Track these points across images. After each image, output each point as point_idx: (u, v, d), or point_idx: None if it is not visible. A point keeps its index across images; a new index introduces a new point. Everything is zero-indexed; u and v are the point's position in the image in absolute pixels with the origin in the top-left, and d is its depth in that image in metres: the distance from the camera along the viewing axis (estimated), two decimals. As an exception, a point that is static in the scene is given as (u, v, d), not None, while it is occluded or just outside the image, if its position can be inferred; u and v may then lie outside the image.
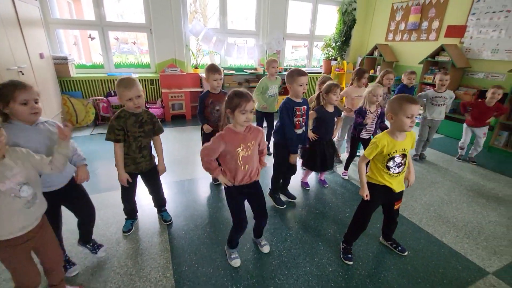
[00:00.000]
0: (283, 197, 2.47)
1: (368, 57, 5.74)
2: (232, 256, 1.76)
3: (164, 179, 2.21)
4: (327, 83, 2.28)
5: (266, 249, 1.87)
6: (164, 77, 4.69)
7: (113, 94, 4.43)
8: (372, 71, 5.77)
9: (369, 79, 5.81)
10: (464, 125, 3.41)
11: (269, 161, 2.30)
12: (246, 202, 1.67)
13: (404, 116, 1.43)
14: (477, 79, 4.33)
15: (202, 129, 2.48)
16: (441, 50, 4.41)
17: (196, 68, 5.04)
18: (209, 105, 2.33)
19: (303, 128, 2.14)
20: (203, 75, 4.77)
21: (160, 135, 1.89)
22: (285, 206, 2.37)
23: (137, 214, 2.10)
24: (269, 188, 2.46)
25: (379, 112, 2.59)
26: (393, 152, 1.52)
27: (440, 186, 2.82)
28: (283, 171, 2.34)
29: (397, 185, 1.61)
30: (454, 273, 1.71)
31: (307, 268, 1.72)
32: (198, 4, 7.32)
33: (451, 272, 1.72)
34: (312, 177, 2.89)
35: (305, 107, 2.09)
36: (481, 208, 2.45)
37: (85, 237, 1.77)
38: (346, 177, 2.94)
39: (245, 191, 1.62)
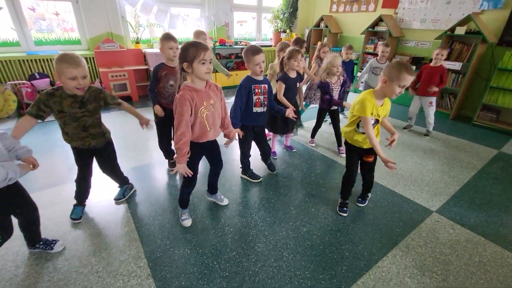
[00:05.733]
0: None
1: (315, 29, 5.87)
2: (182, 217, 1.83)
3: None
4: (289, 49, 2.25)
5: (225, 201, 2.04)
6: (100, 54, 4.11)
7: (37, 77, 3.73)
8: (319, 42, 5.94)
9: (312, 51, 5.99)
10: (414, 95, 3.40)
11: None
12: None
13: (397, 85, 1.47)
14: (409, 47, 4.80)
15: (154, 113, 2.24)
16: (379, 20, 4.72)
17: (137, 43, 4.52)
18: (162, 78, 2.12)
19: (263, 108, 2.08)
20: (147, 50, 4.40)
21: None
22: (261, 179, 2.36)
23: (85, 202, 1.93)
24: (240, 167, 2.40)
25: (341, 81, 2.62)
26: (371, 114, 1.59)
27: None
28: (249, 148, 2.30)
29: (363, 141, 1.74)
30: (407, 216, 1.97)
31: (283, 232, 1.78)
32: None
33: (404, 215, 1.97)
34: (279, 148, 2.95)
35: (266, 85, 2.03)
36: (421, 159, 2.82)
37: (33, 238, 1.55)
38: (313, 145, 3.05)
39: (206, 146, 1.64)
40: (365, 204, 2.07)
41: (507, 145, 3.24)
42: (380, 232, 1.80)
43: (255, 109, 2.04)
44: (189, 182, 1.74)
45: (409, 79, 1.46)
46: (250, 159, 2.36)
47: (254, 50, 1.86)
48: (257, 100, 2.03)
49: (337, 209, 2.00)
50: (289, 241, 1.71)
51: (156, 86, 2.15)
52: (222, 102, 1.62)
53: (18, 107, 3.62)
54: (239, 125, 2.02)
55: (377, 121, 1.67)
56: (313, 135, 3.08)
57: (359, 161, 1.89)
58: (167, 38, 2.06)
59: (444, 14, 4.22)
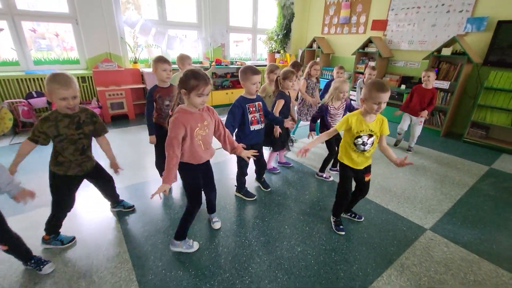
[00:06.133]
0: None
1: (308, 50, 6.08)
2: (187, 245, 1.74)
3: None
4: (284, 70, 2.34)
5: (217, 225, 1.98)
6: (98, 74, 4.19)
7: (35, 95, 3.77)
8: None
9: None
10: (404, 112, 3.51)
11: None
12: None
13: (372, 103, 1.58)
14: (398, 67, 4.98)
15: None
16: (369, 42, 4.93)
17: (135, 62, 4.62)
18: (157, 100, 2.18)
19: (261, 125, 2.13)
20: (144, 70, 4.49)
21: (107, 136, 1.76)
22: (255, 197, 2.36)
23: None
24: (235, 186, 2.41)
25: (344, 106, 2.53)
26: (361, 131, 1.68)
27: (380, 162, 3.18)
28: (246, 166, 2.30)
29: (361, 162, 1.79)
30: (401, 234, 1.97)
31: (278, 252, 1.76)
32: (129, -7, 6.67)
33: (398, 233, 1.97)
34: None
35: (260, 103, 2.10)
36: (413, 176, 2.85)
37: (23, 258, 1.53)
38: (331, 179, 2.72)
39: (201, 168, 1.66)
40: (363, 219, 2.10)
41: (497, 162, 3.30)
42: (375, 251, 1.80)
43: (252, 127, 2.08)
44: (196, 204, 1.68)
45: (381, 96, 1.54)
46: (245, 177, 2.36)
47: (254, 70, 1.94)
48: (253, 119, 2.07)
49: (334, 228, 1.99)
50: (283, 262, 1.69)
51: (153, 109, 2.20)
52: (216, 121, 1.65)
53: (14, 125, 3.62)
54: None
55: (370, 136, 1.71)
56: (322, 169, 2.73)
57: (358, 180, 1.91)
58: (161, 60, 2.11)
59: (430, 36, 4.43)
